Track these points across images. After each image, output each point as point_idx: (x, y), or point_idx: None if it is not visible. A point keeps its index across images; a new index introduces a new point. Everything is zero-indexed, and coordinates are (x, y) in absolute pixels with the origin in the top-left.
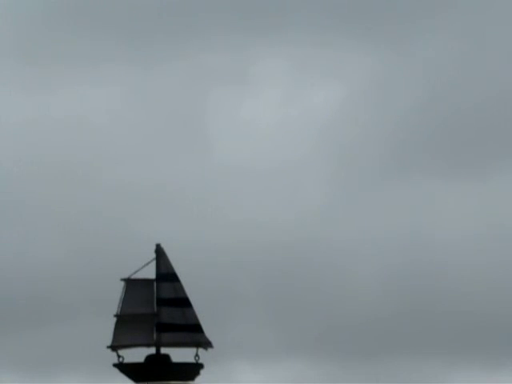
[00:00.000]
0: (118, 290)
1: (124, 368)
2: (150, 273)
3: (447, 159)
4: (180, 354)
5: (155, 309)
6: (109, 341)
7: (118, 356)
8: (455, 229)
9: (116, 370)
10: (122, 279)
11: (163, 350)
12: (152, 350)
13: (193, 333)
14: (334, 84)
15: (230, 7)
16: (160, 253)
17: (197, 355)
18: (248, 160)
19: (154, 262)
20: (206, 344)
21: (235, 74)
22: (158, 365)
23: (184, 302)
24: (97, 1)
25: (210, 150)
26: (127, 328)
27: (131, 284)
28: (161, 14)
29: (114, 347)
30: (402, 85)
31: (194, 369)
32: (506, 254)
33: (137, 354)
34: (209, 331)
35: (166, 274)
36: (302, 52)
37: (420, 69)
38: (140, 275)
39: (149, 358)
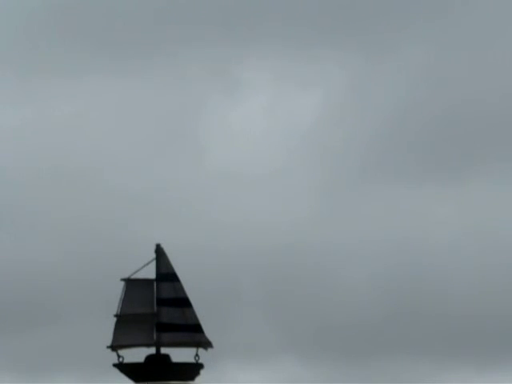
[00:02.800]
0: (118, 290)
1: (124, 368)
2: (150, 273)
3: (428, 164)
4: (180, 354)
5: (155, 309)
6: (109, 341)
7: (118, 356)
8: (441, 232)
9: (116, 370)
10: (122, 279)
11: (163, 350)
12: (152, 350)
13: (193, 333)
14: (314, 93)
15: (217, 22)
16: (160, 253)
17: (197, 355)
18: (238, 165)
19: (154, 262)
20: (206, 344)
21: (224, 85)
22: (158, 365)
23: (184, 302)
24: (86, 13)
25: (202, 156)
26: (127, 328)
27: (131, 284)
28: (151, 26)
29: (113, 347)
30: (380, 92)
31: (194, 369)
32: (492, 256)
33: (137, 354)
34: (209, 331)
35: (166, 273)
36: (284, 63)
37: (397, 77)
38: (140, 275)
39: (149, 358)
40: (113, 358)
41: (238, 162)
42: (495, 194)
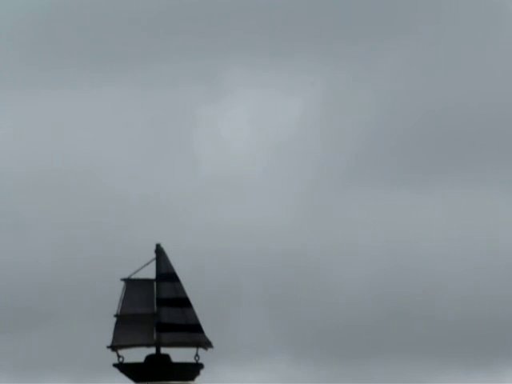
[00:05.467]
0: (118, 290)
1: (124, 368)
2: (150, 273)
3: (413, 168)
4: (180, 354)
5: (155, 309)
6: (109, 341)
7: (118, 356)
8: (428, 236)
9: (116, 370)
10: (122, 279)
11: (163, 350)
12: (152, 350)
13: (193, 333)
14: (298, 100)
15: (204, 34)
16: (160, 253)
17: (197, 355)
18: (230, 171)
19: (154, 262)
20: (206, 344)
21: (211, 94)
22: (158, 365)
23: (184, 302)
24: (77, 26)
25: (195, 163)
26: (127, 328)
27: (131, 284)
28: (142, 38)
29: (113, 347)
30: (360, 99)
31: (194, 369)
32: (479, 260)
33: (137, 354)
34: (209, 331)
35: (166, 273)
36: (267, 73)
37: (378, 84)
38: (140, 275)
39: (149, 357)
40: (113, 358)
41: (229, 167)
42: (482, 198)
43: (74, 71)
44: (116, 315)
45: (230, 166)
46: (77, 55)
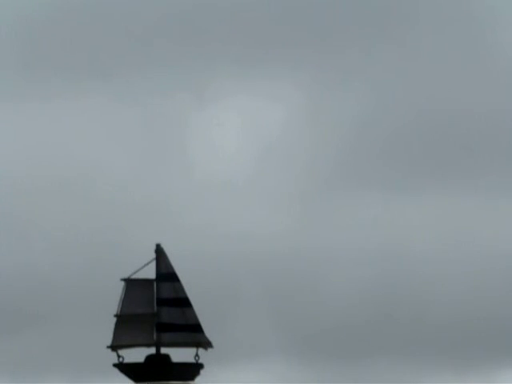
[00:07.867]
0: (118, 290)
1: (124, 368)
2: (150, 273)
3: (402, 171)
4: (180, 354)
5: (155, 309)
6: (109, 341)
7: (118, 356)
8: (417, 239)
9: (116, 370)
10: (122, 279)
11: (163, 350)
12: (152, 350)
13: (193, 333)
14: (284, 107)
15: (193, 45)
16: (160, 253)
17: (197, 355)
18: (223, 176)
19: (154, 262)
20: (206, 344)
21: (202, 105)
22: (158, 365)
23: (184, 302)
24: (71, 35)
25: (190, 169)
26: (127, 328)
27: (131, 284)
28: (135, 49)
29: (113, 347)
30: (345, 103)
31: (194, 369)
32: (469, 263)
33: (137, 354)
34: (209, 331)
35: (166, 273)
36: (252, 82)
37: (362, 87)
38: (140, 275)
39: (149, 358)
40: (113, 358)
41: (222, 172)
42: (472, 202)
43: (71, 80)
44: (116, 315)
45: (222, 170)
46: (72, 65)
